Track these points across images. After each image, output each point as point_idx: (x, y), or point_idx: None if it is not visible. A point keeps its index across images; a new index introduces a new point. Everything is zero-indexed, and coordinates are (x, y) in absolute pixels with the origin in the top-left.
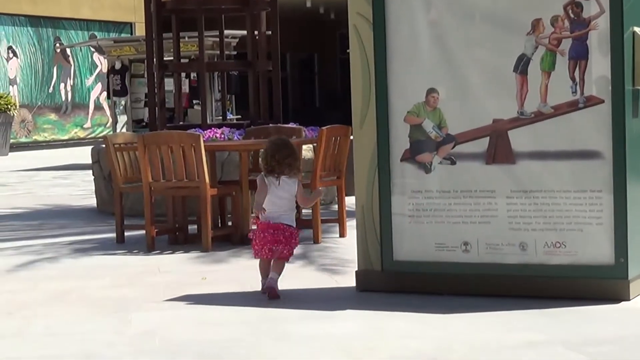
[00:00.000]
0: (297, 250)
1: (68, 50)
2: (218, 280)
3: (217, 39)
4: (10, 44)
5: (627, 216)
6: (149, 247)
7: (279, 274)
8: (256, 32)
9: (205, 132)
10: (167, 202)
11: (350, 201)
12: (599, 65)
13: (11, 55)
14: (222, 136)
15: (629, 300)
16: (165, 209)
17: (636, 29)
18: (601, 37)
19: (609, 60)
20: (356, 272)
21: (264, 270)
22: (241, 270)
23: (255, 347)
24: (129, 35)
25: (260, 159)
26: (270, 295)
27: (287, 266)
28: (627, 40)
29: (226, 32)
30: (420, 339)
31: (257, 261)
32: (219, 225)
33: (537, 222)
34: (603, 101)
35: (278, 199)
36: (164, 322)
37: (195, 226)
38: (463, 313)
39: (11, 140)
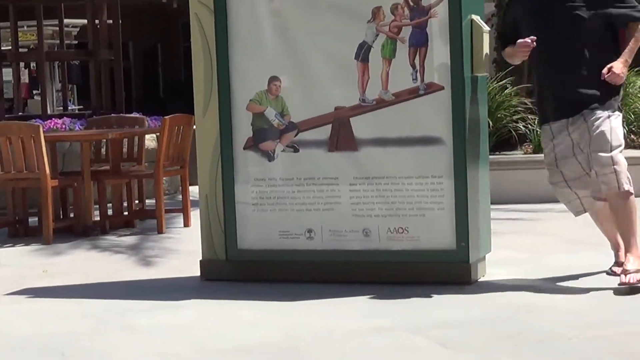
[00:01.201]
0: (141, 240)
1: None
2: (60, 272)
3: (57, 28)
4: None
5: (468, 201)
6: None
7: None
8: (97, 21)
9: (45, 122)
10: (7, 194)
11: (194, 190)
12: (439, 52)
13: None
14: (63, 127)
15: (470, 283)
16: (5, 201)
17: (474, 17)
18: (441, 25)
19: (449, 47)
20: (200, 261)
21: None
22: (83, 262)
23: (100, 339)
24: None
25: None
26: None
27: (130, 258)
28: (466, 28)
29: (66, 20)
30: (265, 327)
31: (98, 253)
32: (61, 217)
33: (380, 208)
34: (443, 88)
35: None
36: (4, 317)
37: (36, 218)
38: (308, 300)
39: None
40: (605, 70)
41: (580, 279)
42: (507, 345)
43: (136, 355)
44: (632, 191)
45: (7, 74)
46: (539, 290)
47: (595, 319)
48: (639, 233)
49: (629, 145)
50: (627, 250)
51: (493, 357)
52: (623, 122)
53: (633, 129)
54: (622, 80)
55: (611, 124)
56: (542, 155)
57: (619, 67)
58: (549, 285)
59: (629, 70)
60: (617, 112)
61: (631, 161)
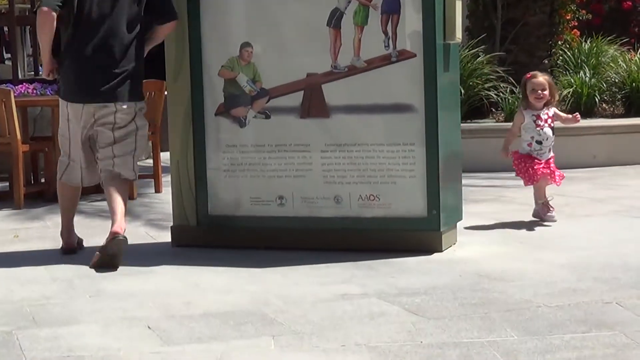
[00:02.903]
0: None
1: None
2: (31, 237)
3: None
4: None
5: (439, 169)
6: None
7: None
8: None
9: (16, 87)
10: None
11: (165, 157)
12: (411, 19)
13: None
14: (34, 91)
15: (441, 251)
16: None
17: None
18: None
19: (421, 15)
20: (171, 227)
21: None
22: (55, 227)
23: (70, 304)
24: None
25: None
26: None
27: (101, 223)
28: None
29: None
30: (236, 293)
31: None
32: (32, 182)
33: (352, 175)
34: (415, 55)
35: None
36: None
37: (7, 183)
38: (279, 267)
39: None
40: None
41: (549, 247)
42: (476, 313)
43: (105, 320)
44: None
45: None
46: (508, 258)
47: (563, 287)
48: None
49: (601, 114)
50: None
51: (462, 324)
52: (596, 90)
53: (605, 97)
54: None
55: None
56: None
57: None
58: (519, 254)
59: (599, 39)
60: None
61: (603, 130)
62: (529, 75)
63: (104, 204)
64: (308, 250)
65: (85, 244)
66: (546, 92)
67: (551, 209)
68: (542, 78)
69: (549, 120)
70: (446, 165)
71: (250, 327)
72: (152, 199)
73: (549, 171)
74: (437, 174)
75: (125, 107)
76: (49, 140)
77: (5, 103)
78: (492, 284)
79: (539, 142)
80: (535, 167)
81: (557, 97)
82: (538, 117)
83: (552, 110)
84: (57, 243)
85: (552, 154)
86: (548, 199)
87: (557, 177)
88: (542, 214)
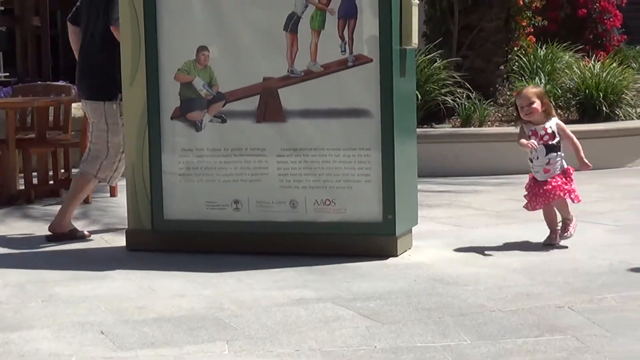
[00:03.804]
0: None
1: None
2: None
3: None
4: None
5: (395, 174)
6: None
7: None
8: None
9: None
10: None
11: None
12: (369, 24)
13: None
14: None
15: (396, 256)
16: None
17: None
18: None
19: (378, 20)
20: (126, 231)
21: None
22: (7, 231)
23: (22, 309)
24: None
25: None
26: None
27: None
28: (395, 0)
29: None
30: (190, 297)
31: (23, 222)
32: None
33: (307, 180)
34: (371, 60)
35: None
36: None
37: None
38: (234, 271)
39: None
40: None
41: (503, 252)
42: (430, 317)
43: (58, 325)
44: None
45: None
46: (463, 263)
47: (517, 292)
48: None
49: None
50: None
51: (416, 328)
52: (550, 96)
53: (560, 103)
54: None
55: None
56: (471, 129)
57: None
58: (473, 258)
59: (554, 46)
60: None
61: None
62: (516, 93)
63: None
64: (263, 255)
65: (37, 248)
66: (535, 105)
67: (566, 233)
68: (527, 92)
69: (546, 137)
70: (402, 170)
71: (204, 331)
72: (107, 202)
73: (541, 200)
74: (392, 179)
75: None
76: (3, 143)
77: None
78: (446, 288)
79: (531, 160)
80: (532, 193)
81: (551, 108)
82: (534, 132)
83: (555, 125)
84: (9, 247)
85: (553, 173)
86: (557, 227)
87: (554, 196)
88: (552, 240)
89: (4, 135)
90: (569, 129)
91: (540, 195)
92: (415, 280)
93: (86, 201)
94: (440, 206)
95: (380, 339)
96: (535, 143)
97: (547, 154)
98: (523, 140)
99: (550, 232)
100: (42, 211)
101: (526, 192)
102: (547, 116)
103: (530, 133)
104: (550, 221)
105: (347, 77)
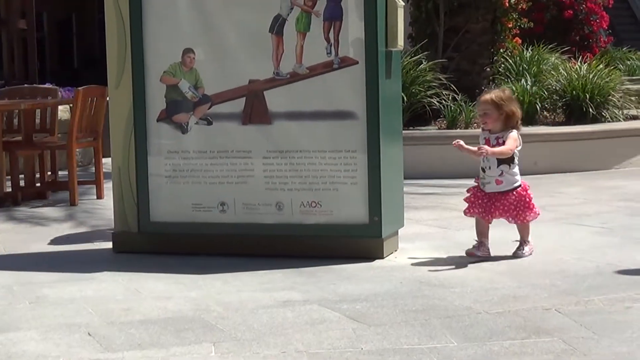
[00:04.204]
0: (53, 212)
1: None
2: None
3: None
4: None
5: (381, 176)
6: None
7: None
8: None
9: None
10: None
11: (107, 162)
12: (354, 26)
13: None
14: None
15: (382, 258)
16: None
17: None
18: None
19: (363, 22)
20: (113, 233)
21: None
22: None
23: (9, 311)
24: None
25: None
26: None
27: (42, 229)
28: (381, 2)
29: None
30: (176, 299)
31: (9, 224)
32: None
33: (294, 182)
34: (357, 62)
35: None
36: None
37: None
38: (220, 273)
39: None
40: None
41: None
42: (417, 319)
43: (45, 327)
44: None
45: None
46: (449, 265)
47: (503, 294)
48: None
49: (542, 122)
50: None
51: (402, 330)
52: (536, 98)
53: (546, 105)
54: None
55: None
56: (455, 130)
57: None
58: (460, 261)
59: (540, 47)
60: None
61: (544, 137)
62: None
63: (44, 209)
64: (249, 257)
65: (24, 250)
66: (488, 115)
67: (519, 252)
68: (484, 99)
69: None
70: (388, 172)
71: (191, 333)
72: (94, 205)
73: (480, 209)
74: (378, 181)
75: None
76: None
77: None
78: (432, 290)
79: (483, 170)
80: (467, 197)
81: (515, 113)
82: (487, 140)
83: (509, 136)
84: None
85: (505, 187)
86: (480, 241)
87: (490, 217)
88: (475, 250)
89: None
90: (517, 142)
91: (484, 207)
92: (401, 282)
93: (72, 203)
94: (426, 208)
95: (367, 341)
96: (488, 149)
97: (498, 165)
98: (464, 146)
99: (478, 243)
100: (29, 213)
101: (470, 197)
102: (506, 126)
103: (484, 141)
104: (480, 232)
105: (333, 79)
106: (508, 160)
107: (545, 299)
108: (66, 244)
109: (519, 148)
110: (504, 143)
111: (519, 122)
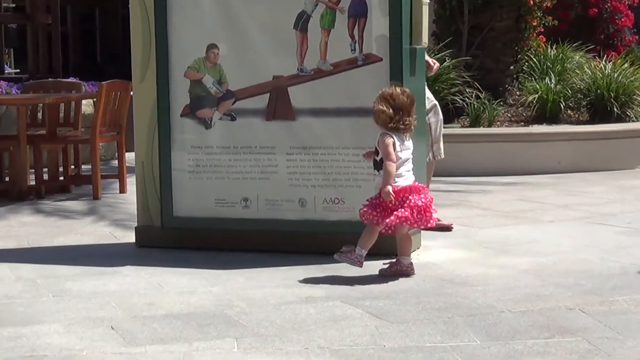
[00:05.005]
0: (76, 205)
1: None
2: None
3: None
4: None
5: None
6: None
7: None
8: None
9: None
10: None
11: (130, 157)
12: (378, 23)
13: None
14: (0, 90)
15: None
16: None
17: None
18: None
19: (388, 18)
20: (136, 228)
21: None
22: (18, 226)
23: (33, 304)
24: None
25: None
26: None
27: (65, 223)
28: None
29: None
30: (199, 294)
31: (33, 218)
32: None
33: (317, 178)
34: (381, 59)
35: None
36: None
37: None
38: (243, 269)
39: None
40: None
41: (513, 252)
42: (439, 317)
43: (68, 320)
44: None
45: None
46: (472, 263)
47: (527, 292)
48: None
49: (566, 120)
50: None
51: (425, 328)
52: (560, 97)
53: (570, 104)
54: None
55: None
56: (479, 128)
57: None
58: (482, 259)
59: (565, 46)
60: None
61: (568, 136)
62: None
63: (68, 203)
64: (272, 253)
65: (48, 243)
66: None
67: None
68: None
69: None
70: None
71: (213, 328)
72: (117, 199)
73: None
74: None
75: None
76: (14, 139)
77: None
78: (455, 288)
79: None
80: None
81: (377, 112)
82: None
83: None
84: (20, 242)
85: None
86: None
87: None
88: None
89: (15, 132)
90: (389, 147)
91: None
92: (424, 280)
93: (96, 197)
94: (449, 206)
95: (389, 339)
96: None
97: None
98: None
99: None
100: (52, 206)
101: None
102: (381, 127)
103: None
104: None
105: (357, 76)
106: (379, 166)
107: (569, 298)
108: (89, 238)
109: (400, 152)
110: (376, 147)
111: (392, 123)
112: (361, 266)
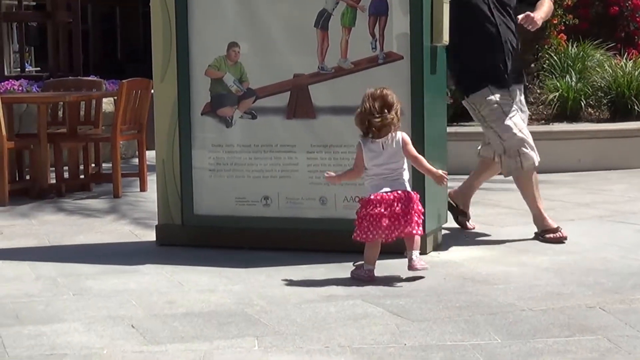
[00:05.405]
0: (96, 204)
1: None
2: (15, 234)
3: None
4: None
5: None
6: None
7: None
8: None
9: (2, 84)
10: None
11: (151, 155)
12: (399, 22)
13: None
14: (20, 88)
15: (426, 253)
16: None
17: None
18: None
19: (409, 17)
20: (156, 226)
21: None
22: (39, 225)
23: (54, 302)
24: None
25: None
26: None
27: (86, 221)
28: None
29: None
30: (220, 292)
31: (54, 216)
32: (17, 179)
33: None
34: (402, 57)
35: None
36: None
37: None
38: (263, 267)
39: None
40: (522, 17)
41: (533, 250)
42: (461, 316)
43: (89, 319)
44: None
45: None
46: (492, 262)
47: (547, 291)
48: None
49: (586, 119)
50: None
51: (446, 326)
52: (581, 95)
53: (591, 102)
54: (537, 26)
55: None
56: None
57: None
58: (503, 257)
59: (585, 44)
60: None
61: (588, 134)
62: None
63: (88, 201)
64: (293, 251)
65: (68, 242)
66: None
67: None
68: None
69: None
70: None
71: (234, 327)
72: (137, 197)
73: None
74: (422, 177)
75: None
76: (34, 137)
77: None
78: (476, 287)
79: None
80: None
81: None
82: None
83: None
84: (41, 240)
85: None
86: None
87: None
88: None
89: (36, 130)
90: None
91: None
92: (444, 278)
93: (116, 195)
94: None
95: (410, 337)
96: None
97: None
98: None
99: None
100: (72, 205)
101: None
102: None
103: None
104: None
105: (378, 75)
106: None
107: (589, 296)
108: (110, 236)
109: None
110: None
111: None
112: (372, 280)
